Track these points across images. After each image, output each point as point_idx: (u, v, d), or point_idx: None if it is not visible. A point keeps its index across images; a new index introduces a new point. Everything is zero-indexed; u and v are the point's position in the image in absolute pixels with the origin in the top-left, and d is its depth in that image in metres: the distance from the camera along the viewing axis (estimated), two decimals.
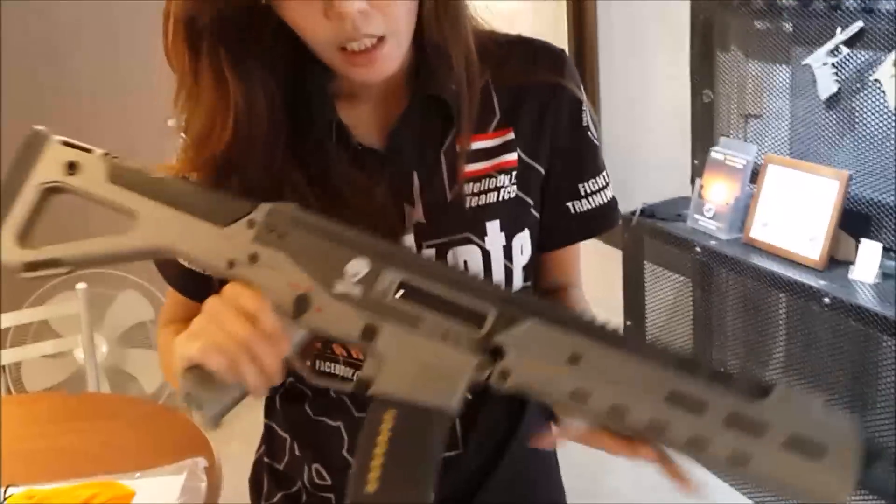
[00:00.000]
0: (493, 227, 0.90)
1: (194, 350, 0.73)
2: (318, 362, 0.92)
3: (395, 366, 0.72)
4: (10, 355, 2.37)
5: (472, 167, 0.90)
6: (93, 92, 3.19)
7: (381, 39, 0.79)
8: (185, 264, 0.87)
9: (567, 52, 3.25)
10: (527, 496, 1.03)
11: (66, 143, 0.81)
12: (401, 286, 0.74)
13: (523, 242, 0.92)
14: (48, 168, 0.80)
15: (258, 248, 0.76)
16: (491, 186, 0.90)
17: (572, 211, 0.97)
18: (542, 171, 0.94)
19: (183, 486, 1.35)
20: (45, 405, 1.84)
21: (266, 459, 1.07)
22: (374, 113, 0.90)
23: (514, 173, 0.91)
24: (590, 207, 0.97)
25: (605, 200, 0.98)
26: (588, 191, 0.97)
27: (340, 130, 0.87)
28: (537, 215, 0.95)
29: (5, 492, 1.32)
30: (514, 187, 0.91)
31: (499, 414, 0.99)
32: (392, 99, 0.89)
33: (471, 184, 0.90)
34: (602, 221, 0.99)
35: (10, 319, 2.27)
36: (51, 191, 0.80)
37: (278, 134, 0.84)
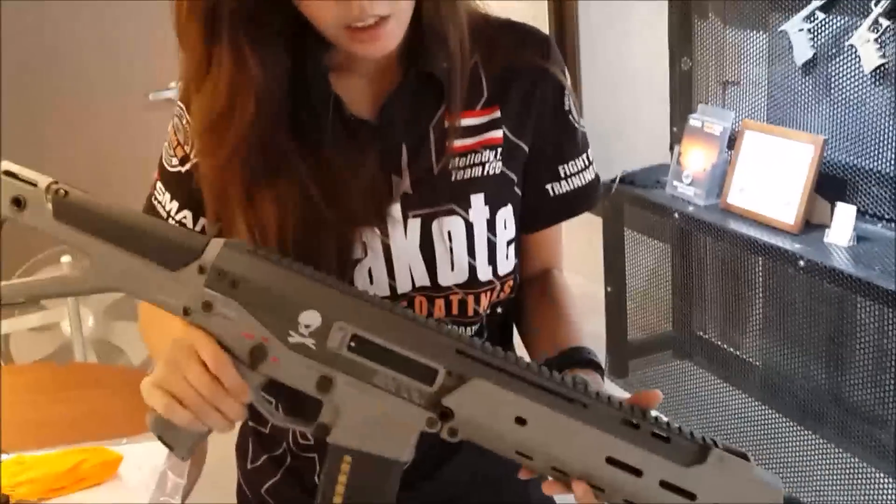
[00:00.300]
0: (477, 199, 0.93)
1: (160, 406, 0.78)
2: None
3: (351, 416, 0.77)
4: None
5: (458, 142, 0.93)
6: (91, 91, 3.19)
7: (384, 17, 0.82)
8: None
9: (548, 20, 3.20)
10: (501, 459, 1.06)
11: (10, 174, 0.79)
12: (353, 338, 0.76)
13: (506, 217, 0.95)
14: None
15: (211, 295, 0.77)
16: (476, 161, 0.93)
17: (551, 193, 1.00)
18: (527, 149, 0.97)
19: (169, 452, 1.38)
20: (34, 375, 1.87)
21: (251, 424, 1.09)
22: (367, 86, 0.93)
23: (499, 150, 0.94)
24: (568, 189, 1.00)
25: (584, 182, 1.02)
26: (567, 173, 1.00)
27: (336, 102, 0.90)
28: (520, 193, 0.98)
29: None
30: (500, 163, 0.94)
31: None
32: (386, 73, 0.92)
33: (457, 158, 0.92)
34: (581, 202, 1.02)
35: None
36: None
37: (283, 108, 0.87)
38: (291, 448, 1.04)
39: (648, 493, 0.72)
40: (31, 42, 3.11)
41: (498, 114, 0.95)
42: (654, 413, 0.75)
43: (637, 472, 0.72)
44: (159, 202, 0.99)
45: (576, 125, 1.00)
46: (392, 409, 0.76)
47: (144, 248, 0.78)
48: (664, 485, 0.71)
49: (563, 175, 1.00)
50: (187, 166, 0.96)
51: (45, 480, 1.33)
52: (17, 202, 0.78)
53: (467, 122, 0.93)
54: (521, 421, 0.73)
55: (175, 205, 0.98)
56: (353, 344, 0.76)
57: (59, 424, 1.54)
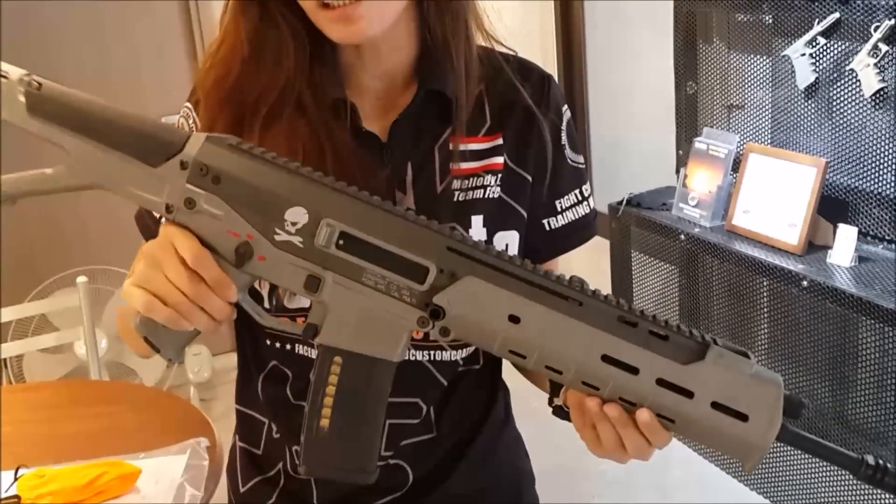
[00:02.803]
0: (476, 220, 0.95)
1: (140, 304, 0.74)
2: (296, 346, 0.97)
3: (339, 315, 0.74)
4: (10, 348, 2.42)
5: (463, 165, 0.95)
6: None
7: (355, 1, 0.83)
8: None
9: (554, 46, 3.22)
10: (498, 469, 1.08)
11: None
12: (341, 235, 0.73)
13: (509, 241, 0.97)
14: None
15: (193, 192, 0.74)
16: (478, 184, 0.96)
17: (547, 227, 1.02)
18: (530, 180, 0.99)
19: (186, 465, 1.40)
20: (48, 393, 1.90)
21: (241, 444, 1.08)
22: (379, 102, 0.96)
23: (500, 175, 0.97)
24: (563, 223, 1.02)
25: (578, 216, 1.03)
26: (563, 207, 1.02)
27: (352, 112, 0.92)
28: (525, 218, 0.99)
29: (17, 472, 1.38)
30: (499, 189, 0.97)
31: (472, 399, 1.04)
32: (397, 90, 0.95)
33: (459, 180, 0.95)
34: (575, 236, 1.04)
35: (10, 313, 2.33)
36: None
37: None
38: (286, 469, 1.03)
39: (645, 391, 0.70)
40: (44, 63, 3.17)
41: (500, 141, 0.97)
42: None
43: (633, 370, 0.70)
44: None
45: (570, 161, 1.02)
46: (382, 308, 0.73)
47: (123, 142, 0.74)
48: (661, 383, 0.69)
49: (559, 209, 1.02)
50: None
51: (65, 493, 1.35)
52: None
53: (470, 146, 0.96)
54: (514, 319, 0.71)
55: None
56: (341, 242, 0.73)
57: (76, 440, 1.56)
